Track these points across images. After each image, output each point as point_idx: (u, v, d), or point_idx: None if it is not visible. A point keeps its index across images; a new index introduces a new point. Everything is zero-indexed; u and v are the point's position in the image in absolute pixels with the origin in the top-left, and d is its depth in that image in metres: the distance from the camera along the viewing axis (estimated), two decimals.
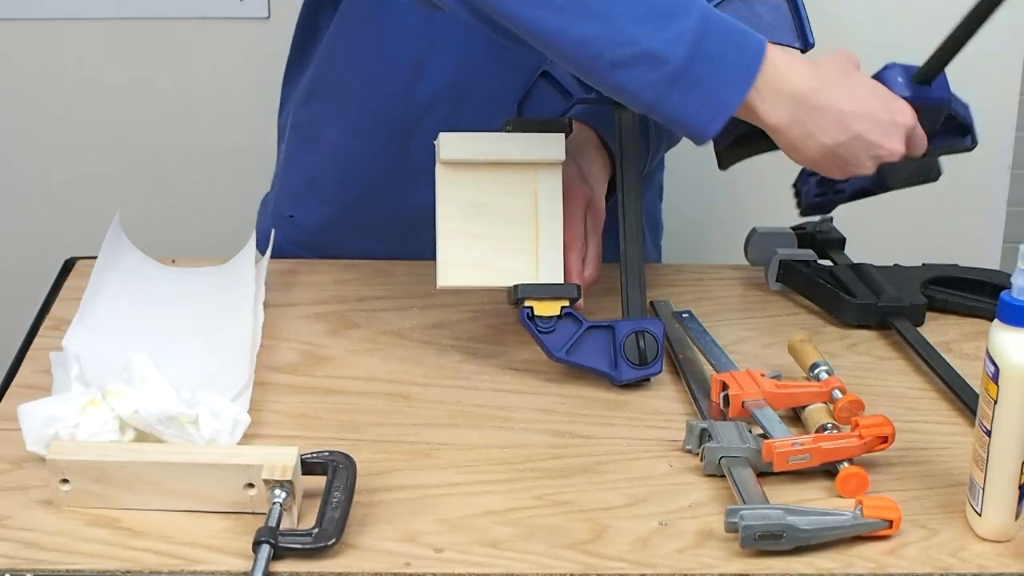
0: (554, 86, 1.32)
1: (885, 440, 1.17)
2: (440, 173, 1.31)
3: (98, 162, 1.86)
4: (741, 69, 1.20)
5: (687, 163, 1.75)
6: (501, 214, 1.31)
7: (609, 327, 1.30)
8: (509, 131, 1.32)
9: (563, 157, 1.31)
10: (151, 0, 1.95)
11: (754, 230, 1.55)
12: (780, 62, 1.22)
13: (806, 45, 1.32)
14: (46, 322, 1.41)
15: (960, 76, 1.85)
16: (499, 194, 1.31)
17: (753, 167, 1.62)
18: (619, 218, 1.34)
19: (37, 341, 1.38)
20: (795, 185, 1.55)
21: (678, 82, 1.18)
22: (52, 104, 1.83)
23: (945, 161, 1.90)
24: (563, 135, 1.31)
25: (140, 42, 1.87)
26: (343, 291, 1.49)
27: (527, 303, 1.29)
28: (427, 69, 1.47)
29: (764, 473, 1.16)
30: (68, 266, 1.52)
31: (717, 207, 1.93)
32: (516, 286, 1.29)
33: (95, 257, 1.43)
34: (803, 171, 1.53)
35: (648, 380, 1.32)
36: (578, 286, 1.31)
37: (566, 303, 1.30)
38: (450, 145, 1.30)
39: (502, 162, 1.31)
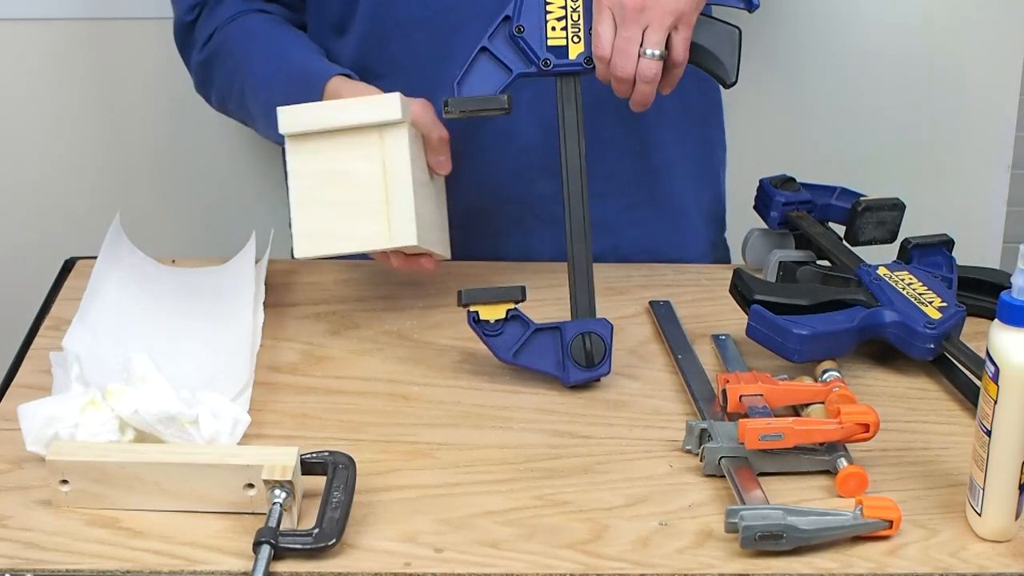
0: (493, 61, 1.31)
1: (867, 429, 1.16)
2: (288, 146, 1.31)
3: (98, 162, 1.85)
4: None
5: None
6: (351, 180, 1.31)
7: (556, 328, 1.30)
8: (448, 111, 1.31)
9: (400, 116, 1.29)
10: (152, 0, 1.95)
11: (752, 231, 1.55)
12: None
13: (750, 7, 1.32)
14: (46, 322, 1.41)
15: (960, 76, 1.85)
16: (347, 160, 1.31)
17: (752, 168, 1.62)
18: (565, 215, 1.32)
19: (37, 341, 1.38)
20: (755, 207, 1.55)
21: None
22: (52, 104, 1.83)
23: (945, 161, 1.90)
24: (399, 95, 1.30)
25: (141, 41, 1.87)
26: (343, 291, 1.49)
27: (472, 307, 1.29)
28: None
29: (764, 473, 1.16)
30: (68, 266, 1.52)
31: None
32: (460, 291, 1.29)
33: (95, 257, 1.43)
34: (761, 187, 1.53)
35: (599, 379, 1.31)
36: (522, 287, 1.30)
37: (511, 306, 1.29)
38: (288, 117, 1.30)
39: (344, 128, 1.30)
